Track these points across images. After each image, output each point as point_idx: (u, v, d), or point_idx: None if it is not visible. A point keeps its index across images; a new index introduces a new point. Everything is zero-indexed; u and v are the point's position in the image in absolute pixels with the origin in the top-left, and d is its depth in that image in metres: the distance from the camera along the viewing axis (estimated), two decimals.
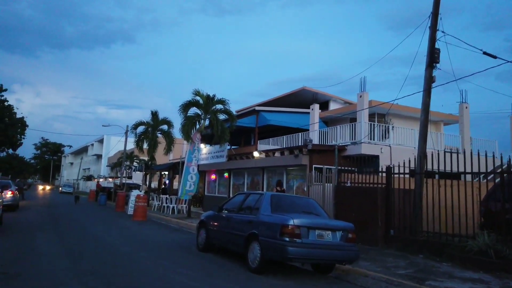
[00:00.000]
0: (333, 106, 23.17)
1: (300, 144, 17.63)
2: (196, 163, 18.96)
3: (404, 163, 10.86)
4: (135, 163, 46.03)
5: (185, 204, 20.95)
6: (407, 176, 11.31)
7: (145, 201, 18.21)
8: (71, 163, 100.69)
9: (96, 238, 10.93)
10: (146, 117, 26.07)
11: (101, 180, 51.29)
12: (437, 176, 11.34)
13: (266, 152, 16.92)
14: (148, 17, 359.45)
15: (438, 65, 11.33)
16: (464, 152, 10.43)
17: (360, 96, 15.68)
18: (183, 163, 26.41)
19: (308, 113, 21.52)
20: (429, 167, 11.10)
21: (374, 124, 15.51)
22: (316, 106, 18.59)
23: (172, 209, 20.95)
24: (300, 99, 22.87)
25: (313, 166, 14.34)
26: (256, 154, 17.37)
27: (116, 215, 20.21)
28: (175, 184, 34.21)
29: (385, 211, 11.08)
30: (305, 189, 15.41)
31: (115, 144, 53.16)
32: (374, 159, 14.47)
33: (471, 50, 11.41)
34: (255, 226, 7.35)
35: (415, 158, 11.10)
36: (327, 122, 21.80)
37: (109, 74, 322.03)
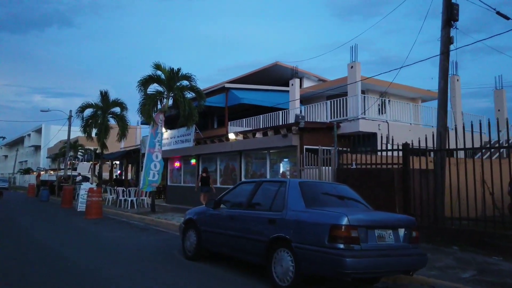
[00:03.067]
0: (307, 83, 21.35)
1: (281, 123, 15.64)
2: (159, 149, 16.32)
3: (426, 139, 9.23)
4: (79, 153, 41.77)
5: (145, 196, 18.32)
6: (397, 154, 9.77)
7: (99, 196, 15.34)
8: (5, 156, 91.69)
9: (42, 248, 8.22)
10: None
11: (41, 172, 46.22)
12: (432, 154, 10.09)
13: (244, 133, 14.72)
14: None
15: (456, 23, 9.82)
16: (463, 128, 9.11)
17: (351, 67, 13.89)
18: (137, 151, 23.52)
19: (283, 90, 19.58)
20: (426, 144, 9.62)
21: (369, 98, 13.80)
22: (297, 81, 16.64)
23: (131, 203, 18.19)
24: (273, 76, 20.82)
25: (304, 147, 12.41)
26: (231, 136, 15.10)
27: (64, 213, 17.09)
28: (129, 174, 31.03)
29: (403, 196, 9.42)
30: (285, 173, 13.47)
31: (56, 134, 48.20)
32: (371, 137, 12.81)
33: (484, 8, 10.05)
34: (282, 227, 5.22)
35: (433, 134, 9.55)
36: (301, 100, 19.96)
37: (45, 60, 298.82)
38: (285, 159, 14.13)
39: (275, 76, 20.89)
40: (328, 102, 14.23)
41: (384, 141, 10.81)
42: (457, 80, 16.05)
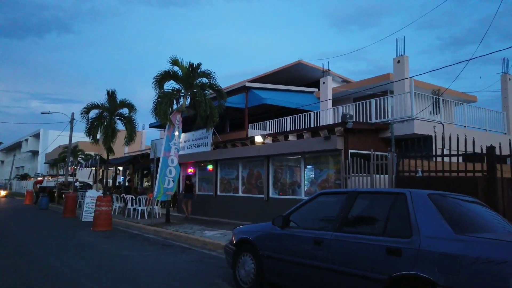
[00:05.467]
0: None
1: (312, 125, 14.04)
2: (176, 152, 14.67)
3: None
4: (79, 158, 40.03)
5: (157, 205, 16.61)
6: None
7: (109, 205, 13.61)
8: (2, 161, 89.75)
9: (49, 273, 6.51)
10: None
11: (39, 178, 44.32)
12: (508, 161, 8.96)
13: (274, 136, 13.09)
14: (86, 6, 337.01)
15: None
16: None
17: (398, 62, 12.35)
18: (145, 155, 21.85)
19: (308, 91, 18.03)
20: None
21: (423, 96, 12.17)
22: (329, 78, 15.09)
23: (141, 213, 16.45)
24: (295, 76, 19.25)
25: (349, 151, 10.79)
26: (258, 139, 13.47)
27: (67, 223, 15.34)
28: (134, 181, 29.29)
29: None
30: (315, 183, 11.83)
31: (55, 139, 46.61)
32: (424, 140, 11.19)
33: None
34: (414, 262, 3.56)
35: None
36: None
37: (43, 65, 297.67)
38: (308, 166, 12.47)
39: (297, 76, 19.34)
40: (373, 100, 12.55)
41: (441, 145, 9.47)
42: (510, 79, 14.52)
